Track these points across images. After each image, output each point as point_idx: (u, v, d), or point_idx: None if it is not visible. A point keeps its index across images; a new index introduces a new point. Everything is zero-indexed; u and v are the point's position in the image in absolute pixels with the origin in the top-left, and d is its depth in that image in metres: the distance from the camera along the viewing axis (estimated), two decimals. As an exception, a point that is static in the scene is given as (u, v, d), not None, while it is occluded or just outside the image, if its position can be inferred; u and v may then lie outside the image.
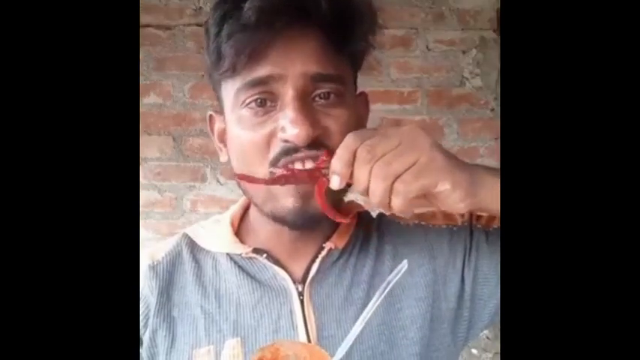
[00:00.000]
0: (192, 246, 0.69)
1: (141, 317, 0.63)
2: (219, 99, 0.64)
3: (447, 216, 0.71)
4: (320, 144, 0.56)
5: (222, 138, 0.66)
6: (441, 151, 0.52)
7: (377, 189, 0.50)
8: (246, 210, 0.71)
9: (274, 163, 0.57)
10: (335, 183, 0.53)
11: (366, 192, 0.52)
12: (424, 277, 0.66)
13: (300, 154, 0.56)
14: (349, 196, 0.64)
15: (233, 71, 0.57)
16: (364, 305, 0.56)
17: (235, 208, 0.72)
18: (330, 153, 0.54)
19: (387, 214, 0.54)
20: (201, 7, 1.80)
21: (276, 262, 0.65)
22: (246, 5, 0.53)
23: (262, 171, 0.58)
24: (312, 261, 0.64)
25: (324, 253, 0.64)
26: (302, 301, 0.62)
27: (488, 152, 1.78)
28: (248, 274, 0.65)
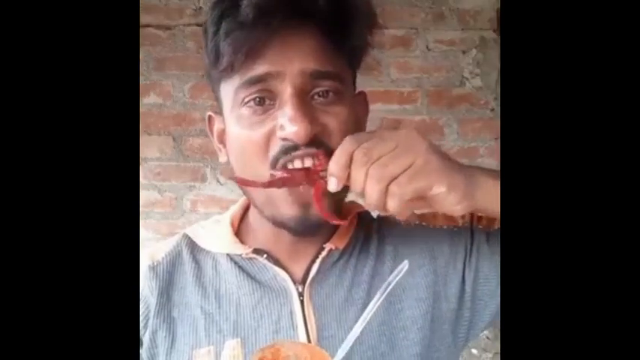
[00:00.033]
0: (192, 246, 0.69)
1: (141, 318, 0.63)
2: (217, 99, 0.64)
3: (448, 217, 0.71)
4: (319, 142, 0.56)
5: (222, 138, 0.66)
6: (438, 154, 0.52)
7: (373, 191, 0.51)
8: (246, 210, 0.71)
9: (274, 162, 0.57)
10: (332, 185, 0.53)
11: (362, 194, 0.52)
12: (425, 277, 0.66)
13: (299, 152, 0.56)
14: (350, 197, 0.64)
15: (231, 69, 0.57)
16: (364, 306, 0.56)
17: (235, 209, 0.72)
18: (328, 155, 0.55)
19: (382, 215, 0.54)
20: (201, 7, 1.80)
21: (277, 262, 0.65)
22: (244, 3, 0.53)
23: (262, 171, 0.58)
24: (313, 261, 0.64)
25: (324, 253, 0.64)
26: (302, 302, 0.62)
27: (488, 152, 1.78)
28: (248, 274, 0.65)
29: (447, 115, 1.79)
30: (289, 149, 0.56)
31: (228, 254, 0.66)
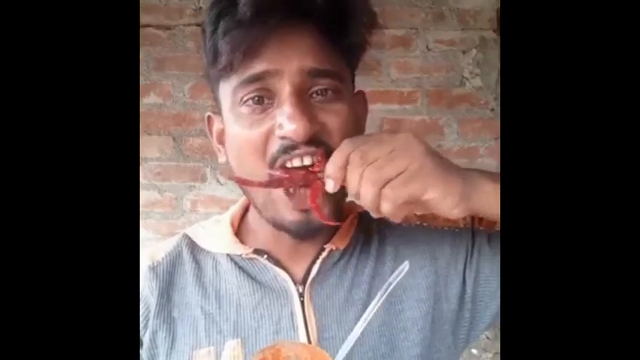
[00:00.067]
0: (193, 246, 0.69)
1: (141, 318, 0.63)
2: (216, 99, 0.64)
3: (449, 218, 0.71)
4: (318, 141, 0.56)
5: (221, 139, 0.66)
6: (434, 159, 0.53)
7: (367, 193, 0.52)
8: (246, 210, 0.71)
9: (272, 162, 0.57)
10: (329, 186, 0.54)
11: (357, 195, 0.53)
12: (425, 278, 0.66)
13: (298, 151, 0.56)
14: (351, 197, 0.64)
15: (230, 69, 0.57)
16: (365, 306, 0.56)
17: (235, 209, 0.72)
18: (327, 154, 0.55)
19: (376, 217, 0.55)
20: (201, 7, 1.80)
21: (277, 263, 0.65)
22: (242, 2, 0.53)
23: (260, 171, 0.58)
24: (313, 262, 0.64)
25: (324, 254, 0.64)
26: (302, 302, 0.62)
27: (488, 152, 1.78)
28: (248, 275, 0.65)
29: (447, 115, 1.79)
30: (288, 148, 0.56)
31: (228, 254, 0.66)
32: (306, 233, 0.60)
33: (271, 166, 0.57)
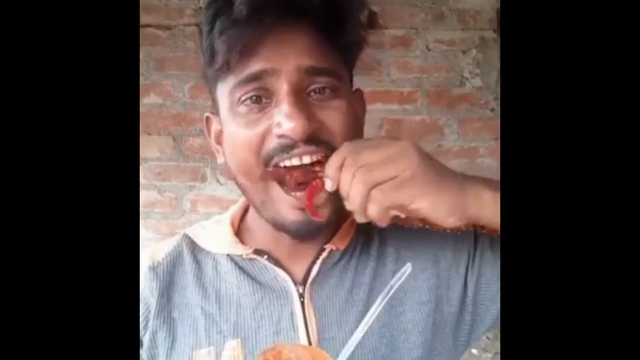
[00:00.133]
0: (193, 247, 0.69)
1: (141, 318, 0.63)
2: (214, 100, 0.64)
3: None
4: (317, 139, 0.56)
5: (219, 139, 0.65)
6: (430, 169, 0.53)
7: (356, 193, 0.52)
8: (246, 210, 0.71)
9: (268, 160, 0.57)
10: (328, 185, 0.55)
11: (348, 196, 0.54)
12: (427, 280, 0.66)
13: (297, 150, 0.56)
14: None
15: (227, 68, 0.57)
16: (365, 307, 0.56)
17: (235, 209, 0.72)
18: (327, 153, 0.56)
19: (361, 222, 0.55)
20: (201, 7, 1.80)
21: (277, 263, 0.65)
22: (237, 1, 0.53)
23: (257, 170, 0.58)
24: (313, 262, 0.64)
25: (324, 254, 0.64)
26: (303, 303, 0.62)
27: (488, 152, 1.78)
28: (249, 275, 0.65)
29: (447, 115, 1.79)
30: (287, 147, 0.56)
31: (228, 255, 0.66)
32: (306, 234, 0.60)
33: (266, 164, 0.57)
